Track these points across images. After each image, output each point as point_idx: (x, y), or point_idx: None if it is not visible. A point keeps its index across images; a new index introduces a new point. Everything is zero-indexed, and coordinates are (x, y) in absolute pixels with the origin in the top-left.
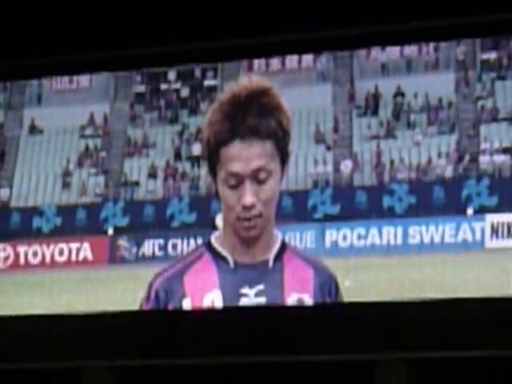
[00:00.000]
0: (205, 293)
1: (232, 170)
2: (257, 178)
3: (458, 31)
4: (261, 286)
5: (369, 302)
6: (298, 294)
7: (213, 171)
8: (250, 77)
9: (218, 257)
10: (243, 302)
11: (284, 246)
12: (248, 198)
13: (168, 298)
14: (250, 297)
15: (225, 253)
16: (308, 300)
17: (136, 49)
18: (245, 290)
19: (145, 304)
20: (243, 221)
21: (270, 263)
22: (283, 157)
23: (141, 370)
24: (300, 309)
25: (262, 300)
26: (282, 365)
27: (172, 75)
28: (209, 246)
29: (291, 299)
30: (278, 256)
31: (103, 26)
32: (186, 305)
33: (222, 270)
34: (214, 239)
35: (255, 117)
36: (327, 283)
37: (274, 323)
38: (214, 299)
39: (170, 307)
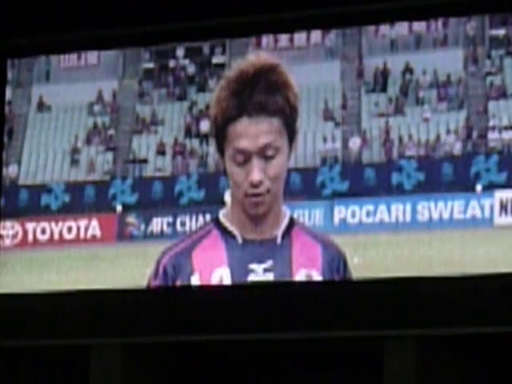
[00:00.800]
0: (213, 269)
1: (239, 147)
2: (264, 154)
3: (468, 7)
4: (269, 262)
5: (377, 279)
6: (307, 270)
7: (220, 149)
8: (257, 54)
9: (226, 233)
10: (251, 277)
11: (292, 223)
12: (256, 175)
13: (176, 273)
14: (258, 273)
15: (233, 229)
16: (316, 276)
17: (144, 26)
18: (253, 266)
19: (153, 280)
20: (251, 197)
21: (278, 239)
22: (291, 133)
23: (149, 348)
24: (309, 285)
25: (270, 276)
26: (290, 341)
27: (180, 52)
28: (217, 222)
29: (299, 275)
30: (286, 232)
31: (111, 4)
32: (195, 281)
33: (230, 246)
34: (222, 216)
35: (263, 93)
36: (335, 260)
37: (283, 299)
38: (222, 275)
39: (178, 283)
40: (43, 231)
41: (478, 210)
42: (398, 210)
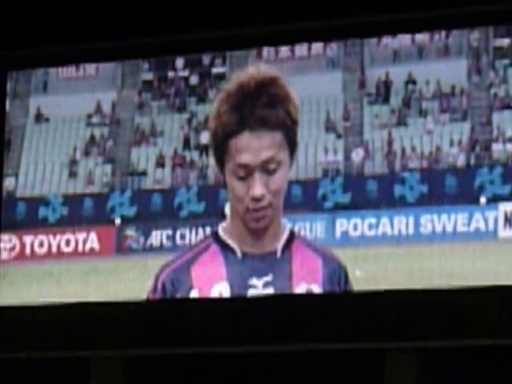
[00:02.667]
0: (212, 284)
1: (241, 162)
2: (266, 169)
3: (471, 19)
4: (269, 277)
5: (379, 291)
6: (307, 284)
7: (220, 162)
8: (257, 66)
9: (225, 248)
10: (251, 293)
11: (292, 236)
12: (258, 190)
13: (175, 289)
14: (258, 288)
15: (232, 244)
16: (317, 290)
17: (143, 38)
18: (253, 281)
19: (151, 295)
20: (253, 212)
21: (279, 253)
22: (292, 146)
23: (149, 360)
24: (310, 297)
25: (270, 290)
26: (291, 354)
27: (180, 63)
28: (216, 236)
29: (300, 289)
30: (287, 246)
31: (110, 16)
32: (194, 296)
33: (229, 261)
34: (222, 230)
35: (264, 107)
36: (336, 273)
37: (284, 311)
38: (221, 291)
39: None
40: (41, 244)
41: (482, 222)
42: (400, 222)
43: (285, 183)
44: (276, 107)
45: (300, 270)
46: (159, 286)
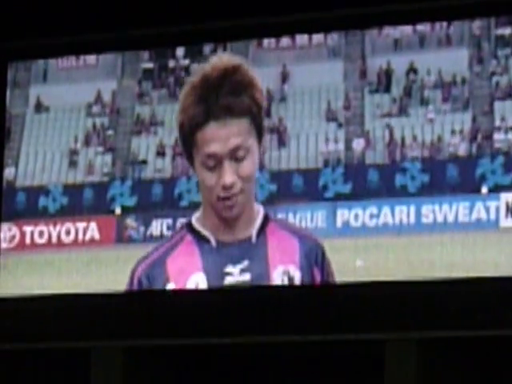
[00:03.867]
0: (188, 275)
1: (210, 152)
2: (235, 156)
3: (472, 10)
4: (245, 263)
5: (379, 282)
6: (284, 265)
7: (189, 156)
8: (220, 56)
9: (199, 238)
10: (228, 280)
11: (267, 220)
12: (228, 178)
13: (151, 283)
14: (235, 275)
15: (206, 233)
16: (294, 271)
17: (143, 29)
18: (229, 269)
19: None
20: (224, 200)
21: (253, 238)
22: (259, 132)
23: (150, 351)
24: (310, 288)
25: (246, 277)
26: (290, 344)
27: (180, 52)
28: (190, 227)
29: (276, 272)
30: (261, 230)
31: (110, 6)
32: (193, 287)
33: (204, 251)
34: (195, 220)
35: (228, 95)
36: (313, 251)
37: (284, 303)
38: (197, 281)
39: None
40: (41, 234)
41: (484, 212)
42: (401, 212)
43: (255, 169)
44: (240, 94)
45: (276, 253)
46: (135, 281)
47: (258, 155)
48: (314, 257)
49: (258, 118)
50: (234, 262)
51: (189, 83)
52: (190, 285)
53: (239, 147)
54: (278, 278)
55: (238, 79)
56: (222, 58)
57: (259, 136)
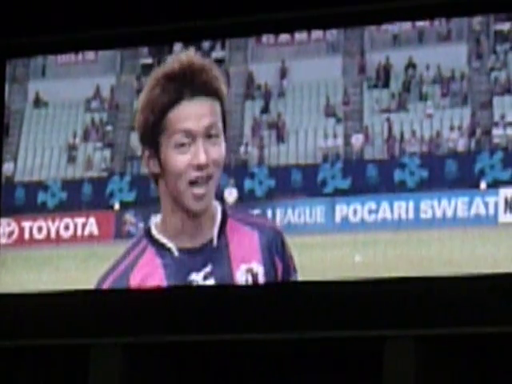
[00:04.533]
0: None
1: (185, 127)
2: (209, 134)
3: (471, 6)
4: (208, 268)
5: (379, 278)
6: (246, 264)
7: (154, 147)
8: (185, 54)
9: (160, 248)
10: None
11: (225, 216)
12: (202, 156)
13: None
14: (199, 281)
15: (167, 242)
16: (257, 267)
17: (142, 26)
18: (192, 277)
19: None
20: (195, 186)
21: (215, 241)
22: (224, 124)
23: (149, 348)
24: (310, 284)
25: (211, 282)
26: (291, 341)
27: (178, 47)
28: (150, 237)
29: (240, 272)
30: (221, 230)
31: (109, 4)
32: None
33: (166, 261)
34: (154, 227)
35: (200, 80)
36: (274, 241)
37: (282, 300)
38: None
39: None
40: (40, 229)
41: (482, 207)
42: (400, 207)
43: (223, 156)
44: (208, 83)
45: (238, 252)
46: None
47: (224, 144)
48: (275, 246)
49: (223, 106)
50: (198, 269)
51: (152, 79)
52: None
53: (212, 125)
54: (241, 278)
55: (204, 78)
56: (187, 55)
57: (224, 130)
